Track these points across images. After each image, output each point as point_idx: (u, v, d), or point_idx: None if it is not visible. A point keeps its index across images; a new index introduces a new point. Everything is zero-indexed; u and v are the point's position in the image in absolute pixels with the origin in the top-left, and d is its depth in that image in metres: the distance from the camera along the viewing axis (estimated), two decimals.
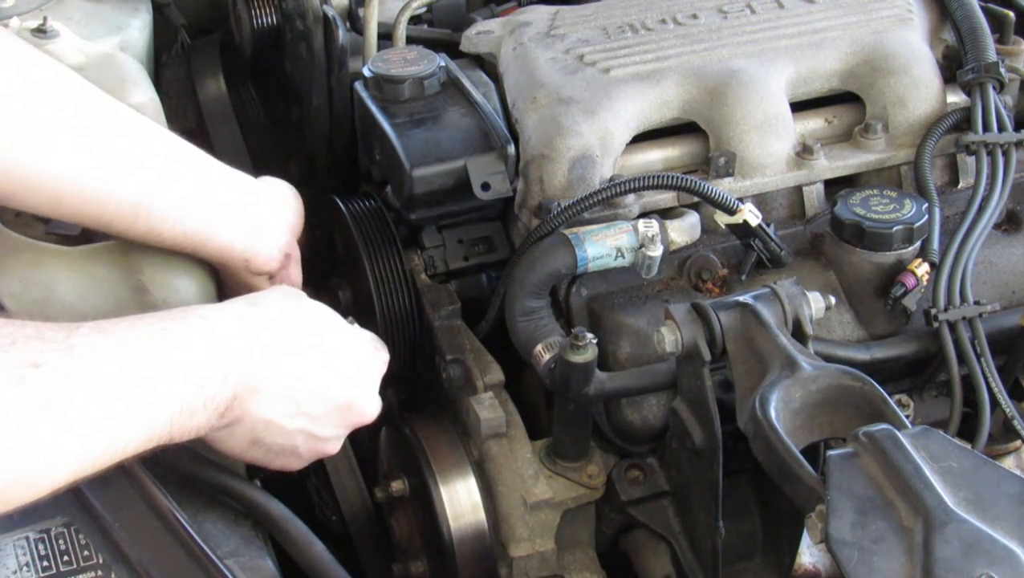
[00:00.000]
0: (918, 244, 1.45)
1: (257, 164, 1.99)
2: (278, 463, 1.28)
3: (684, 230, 1.47)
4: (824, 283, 1.47)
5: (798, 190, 1.57)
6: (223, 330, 1.19)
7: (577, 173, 1.49)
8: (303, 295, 1.33)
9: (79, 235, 1.33)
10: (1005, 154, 1.52)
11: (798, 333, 1.28)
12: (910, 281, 1.42)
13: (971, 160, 1.57)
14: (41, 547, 1.16)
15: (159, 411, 1.10)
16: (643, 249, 1.41)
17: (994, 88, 1.57)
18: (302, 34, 1.77)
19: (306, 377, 1.25)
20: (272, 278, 1.42)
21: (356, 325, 1.39)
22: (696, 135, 1.57)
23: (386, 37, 1.72)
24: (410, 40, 1.72)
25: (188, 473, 1.24)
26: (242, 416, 1.19)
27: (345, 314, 1.39)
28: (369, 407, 1.33)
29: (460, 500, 1.45)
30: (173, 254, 1.34)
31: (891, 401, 1.16)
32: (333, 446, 1.32)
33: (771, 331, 1.24)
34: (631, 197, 1.49)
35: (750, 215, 1.43)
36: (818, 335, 1.36)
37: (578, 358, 1.32)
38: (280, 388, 1.21)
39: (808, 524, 1.06)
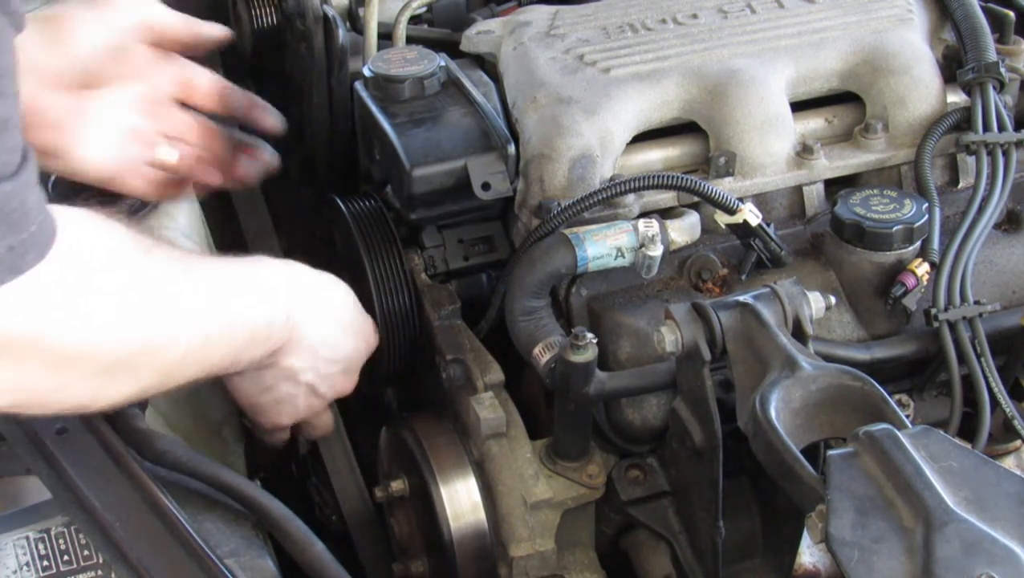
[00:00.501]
0: (918, 244, 1.45)
1: None
2: (271, 414, 1.37)
3: (684, 230, 1.47)
4: (824, 283, 1.47)
5: (798, 190, 1.57)
6: (290, 277, 1.29)
7: (577, 173, 1.49)
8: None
9: None
10: (1005, 154, 1.52)
11: (798, 333, 1.27)
12: (910, 281, 1.41)
13: (971, 160, 1.57)
14: (41, 547, 1.16)
15: (241, 326, 1.19)
16: (643, 249, 1.41)
17: (994, 88, 1.56)
18: (302, 34, 1.77)
19: (330, 337, 1.34)
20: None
21: None
22: (696, 135, 1.57)
23: (386, 37, 1.72)
24: (410, 40, 1.72)
25: (189, 472, 1.24)
26: (278, 360, 1.25)
27: None
28: (353, 378, 1.43)
29: (460, 500, 1.45)
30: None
31: (891, 401, 1.16)
32: (322, 407, 1.43)
33: (771, 331, 1.24)
34: (631, 197, 1.49)
35: (750, 215, 1.43)
36: (818, 335, 1.36)
37: (578, 358, 1.32)
38: (312, 340, 1.30)
39: (808, 524, 1.06)
